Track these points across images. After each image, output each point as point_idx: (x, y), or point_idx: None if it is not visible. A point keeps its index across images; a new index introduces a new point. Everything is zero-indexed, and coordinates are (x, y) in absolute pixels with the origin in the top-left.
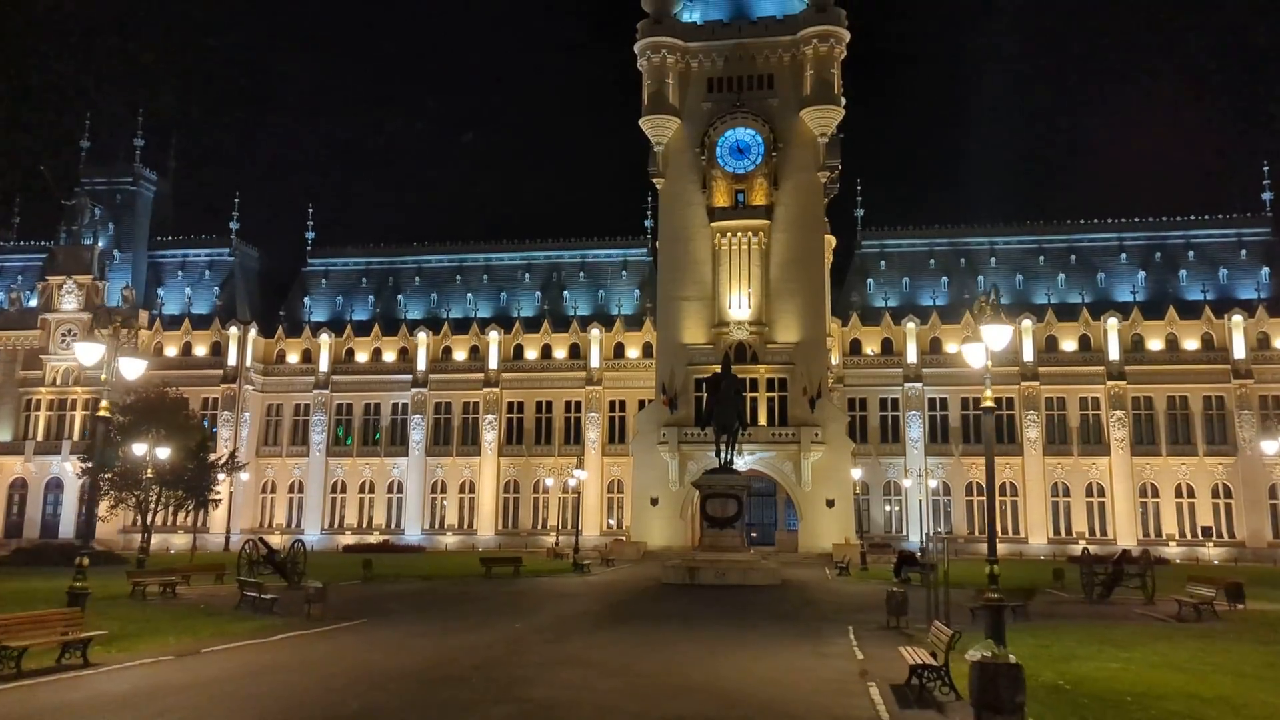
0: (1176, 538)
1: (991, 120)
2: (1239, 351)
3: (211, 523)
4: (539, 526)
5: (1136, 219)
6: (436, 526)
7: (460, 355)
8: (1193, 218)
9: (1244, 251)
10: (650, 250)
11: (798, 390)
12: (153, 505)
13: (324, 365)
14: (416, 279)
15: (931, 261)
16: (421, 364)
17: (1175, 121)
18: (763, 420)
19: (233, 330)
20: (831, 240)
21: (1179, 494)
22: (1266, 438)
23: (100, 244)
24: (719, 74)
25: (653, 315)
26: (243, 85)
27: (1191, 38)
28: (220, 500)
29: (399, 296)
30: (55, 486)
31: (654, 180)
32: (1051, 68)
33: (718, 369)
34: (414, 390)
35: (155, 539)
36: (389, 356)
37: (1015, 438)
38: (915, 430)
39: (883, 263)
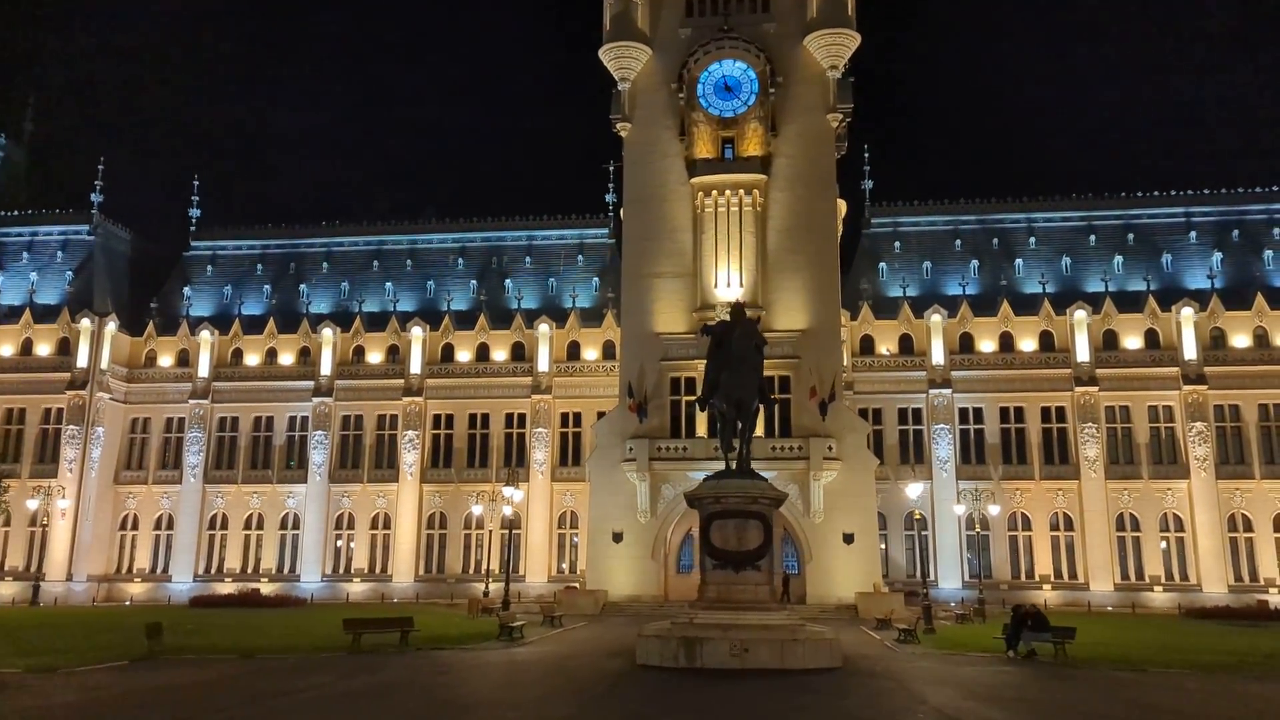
0: (1278, 582)
1: (1022, 77)
2: None
3: (49, 568)
4: (471, 571)
5: (1207, 191)
6: (341, 571)
7: (375, 357)
8: (1276, 189)
9: None
10: (613, 230)
11: (804, 392)
12: None
13: (204, 369)
14: (324, 265)
15: (957, 243)
16: (326, 368)
17: (1253, 83)
18: (760, 430)
19: (84, 323)
20: (843, 205)
21: (1278, 526)
22: None
23: None
24: None
25: (615, 307)
26: (126, 39)
27: None
28: None
29: (301, 286)
30: None
31: (617, 128)
32: (1096, 15)
33: (706, 357)
34: (316, 400)
35: None
36: (286, 359)
37: (1069, 457)
38: (944, 448)
39: (898, 244)
